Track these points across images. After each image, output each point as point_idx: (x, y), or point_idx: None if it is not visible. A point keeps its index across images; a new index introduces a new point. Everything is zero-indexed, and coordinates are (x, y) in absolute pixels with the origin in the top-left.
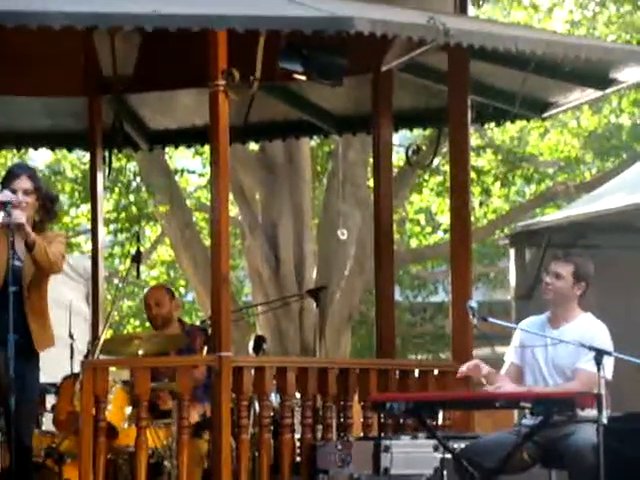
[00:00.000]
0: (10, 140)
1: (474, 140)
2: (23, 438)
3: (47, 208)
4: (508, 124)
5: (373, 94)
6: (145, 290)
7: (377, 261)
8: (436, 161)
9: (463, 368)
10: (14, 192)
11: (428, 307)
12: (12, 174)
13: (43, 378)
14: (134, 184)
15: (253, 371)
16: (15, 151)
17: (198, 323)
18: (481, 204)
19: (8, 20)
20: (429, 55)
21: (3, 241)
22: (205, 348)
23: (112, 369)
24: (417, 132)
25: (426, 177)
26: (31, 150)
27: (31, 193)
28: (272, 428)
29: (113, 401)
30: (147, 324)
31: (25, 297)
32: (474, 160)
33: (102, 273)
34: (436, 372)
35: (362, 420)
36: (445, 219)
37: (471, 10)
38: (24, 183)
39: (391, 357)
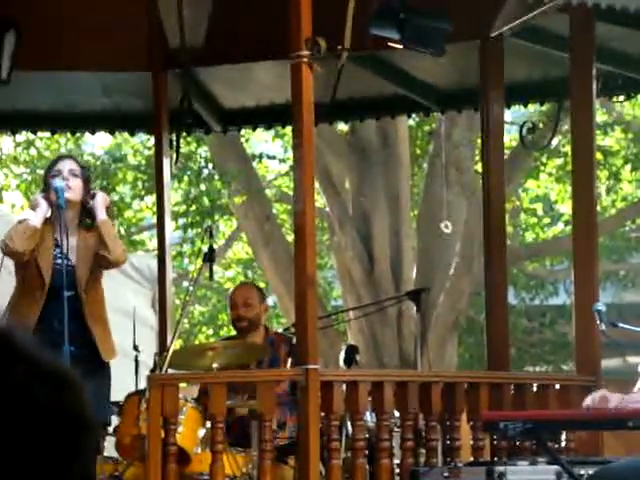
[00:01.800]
0: (64, 123)
1: (600, 116)
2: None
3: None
4: None
5: (481, 64)
6: (230, 288)
7: (487, 258)
8: (555, 141)
9: (587, 401)
10: (59, 173)
11: (547, 311)
12: (56, 159)
13: None
14: (206, 172)
15: (344, 386)
16: (70, 135)
17: (280, 331)
18: (609, 191)
19: None
20: (547, 17)
21: (48, 239)
22: (289, 360)
23: (183, 385)
24: (533, 107)
25: (544, 160)
26: (87, 134)
27: (78, 176)
28: (367, 452)
29: (184, 422)
30: (222, 332)
31: (83, 301)
32: (600, 139)
33: (170, 275)
34: (557, 387)
35: (472, 442)
36: (566, 208)
37: None
38: (70, 164)
39: (505, 369)
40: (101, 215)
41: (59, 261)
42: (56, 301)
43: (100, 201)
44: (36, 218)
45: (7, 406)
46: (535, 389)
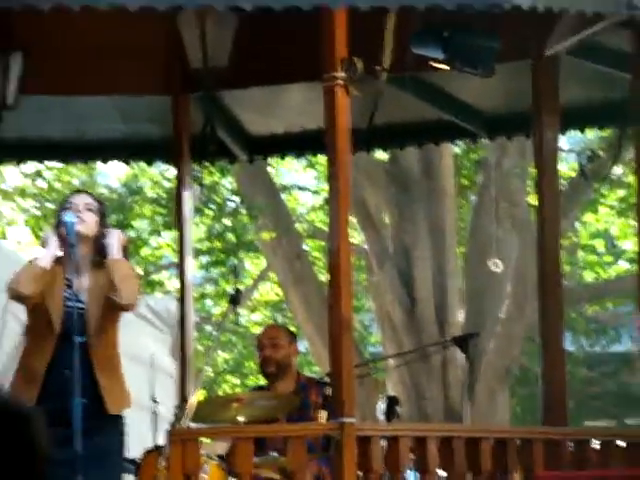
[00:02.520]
0: (75, 151)
1: None
2: None
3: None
4: None
5: (534, 86)
6: (257, 332)
7: (541, 300)
8: (617, 170)
9: None
10: (72, 206)
11: (609, 359)
12: (71, 193)
13: None
14: (231, 205)
15: (384, 442)
16: (82, 165)
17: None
18: None
19: (73, 2)
20: (607, 34)
21: (59, 279)
22: (322, 411)
23: (205, 440)
24: (592, 134)
25: (604, 191)
26: (101, 164)
27: (93, 210)
28: None
29: None
30: (249, 381)
31: (91, 347)
32: None
33: (191, 318)
34: (622, 443)
35: None
36: (630, 245)
37: None
38: (85, 198)
39: (562, 424)
40: (114, 254)
41: (70, 303)
42: (67, 347)
43: (115, 238)
44: (45, 258)
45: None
46: (597, 446)
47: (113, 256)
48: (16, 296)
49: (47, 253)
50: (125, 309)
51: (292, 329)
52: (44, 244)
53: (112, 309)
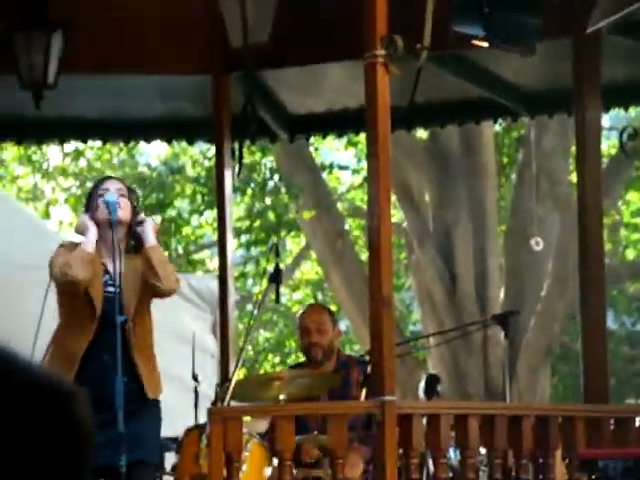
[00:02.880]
0: (116, 131)
1: None
2: None
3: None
4: None
5: (575, 63)
6: (298, 312)
7: (583, 278)
8: None
9: None
10: (106, 190)
11: None
12: (102, 178)
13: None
14: (271, 184)
15: (425, 420)
16: (122, 144)
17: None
18: None
19: None
20: None
21: (97, 266)
22: (364, 390)
23: (247, 419)
24: (634, 111)
25: None
26: (142, 143)
27: (126, 196)
28: None
29: (249, 460)
30: (290, 360)
31: (130, 330)
32: None
33: (232, 297)
34: None
35: None
36: None
37: None
38: (117, 184)
39: (604, 402)
40: (152, 241)
41: (110, 288)
42: (106, 331)
43: (149, 226)
44: (90, 243)
45: (16, 423)
46: (638, 424)
47: (150, 243)
48: (69, 281)
49: (90, 238)
50: (167, 294)
51: (332, 308)
52: (82, 230)
53: (151, 294)
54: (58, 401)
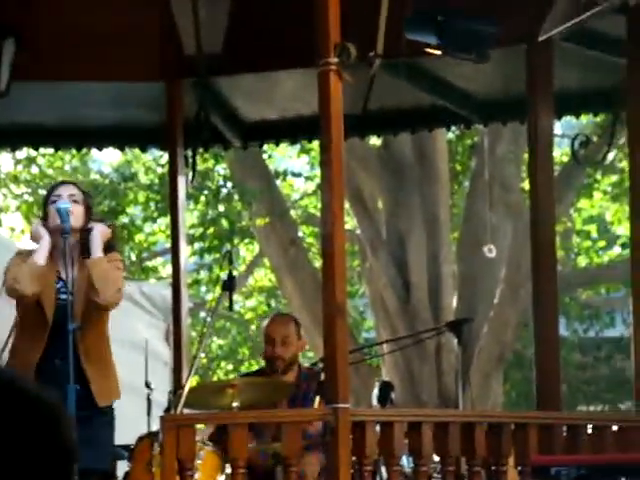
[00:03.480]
0: (68, 138)
1: None
2: None
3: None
4: None
5: (528, 71)
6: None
7: (535, 285)
8: (611, 156)
9: None
10: (59, 198)
11: (603, 344)
12: (56, 184)
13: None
14: (224, 191)
15: (378, 427)
16: (75, 151)
17: (308, 365)
18: None
19: None
20: (601, 19)
21: (50, 273)
22: (317, 398)
23: (200, 427)
24: (586, 119)
25: (598, 176)
26: (95, 150)
27: (79, 202)
28: None
29: (202, 468)
30: (243, 367)
31: (78, 338)
32: None
33: (186, 304)
34: (615, 428)
35: None
36: (623, 230)
37: None
38: (70, 189)
39: (556, 409)
40: (95, 252)
41: (63, 296)
42: (58, 338)
43: (97, 235)
44: (41, 254)
45: (8, 442)
46: (590, 431)
47: (93, 255)
48: (17, 296)
49: (42, 249)
50: (104, 308)
51: (299, 322)
52: (35, 238)
53: (93, 306)
54: (46, 414)
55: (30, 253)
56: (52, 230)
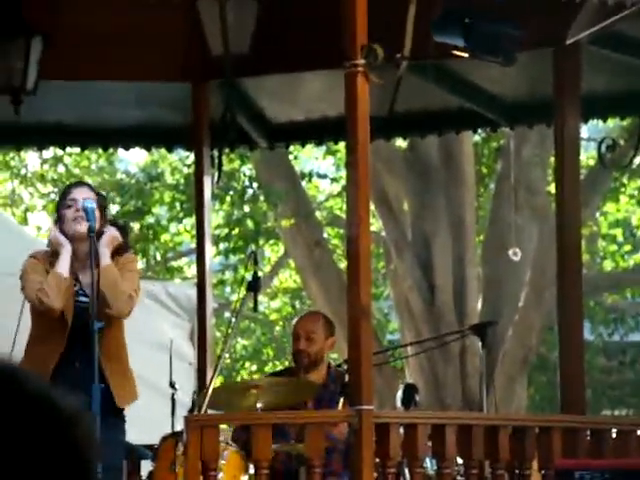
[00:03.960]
0: (94, 137)
1: None
2: None
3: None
4: None
5: (555, 74)
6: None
7: (560, 289)
8: (637, 160)
9: None
10: (74, 202)
11: (628, 348)
12: (70, 186)
13: (137, 438)
14: (250, 192)
15: (402, 429)
16: (101, 151)
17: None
18: None
19: None
20: (629, 22)
21: (70, 276)
22: (341, 400)
23: (224, 427)
24: (613, 123)
25: (625, 180)
26: (121, 150)
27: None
28: None
29: (225, 468)
30: (267, 368)
31: (97, 340)
32: None
33: (210, 305)
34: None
35: None
36: None
37: None
38: (84, 192)
39: (580, 413)
40: (104, 260)
41: (82, 298)
42: (76, 341)
43: (105, 241)
44: (65, 266)
45: (23, 442)
46: (614, 435)
47: (102, 263)
48: (45, 309)
49: (65, 259)
50: (116, 318)
51: (332, 321)
52: (55, 245)
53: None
54: (60, 421)
55: (45, 256)
56: (69, 235)
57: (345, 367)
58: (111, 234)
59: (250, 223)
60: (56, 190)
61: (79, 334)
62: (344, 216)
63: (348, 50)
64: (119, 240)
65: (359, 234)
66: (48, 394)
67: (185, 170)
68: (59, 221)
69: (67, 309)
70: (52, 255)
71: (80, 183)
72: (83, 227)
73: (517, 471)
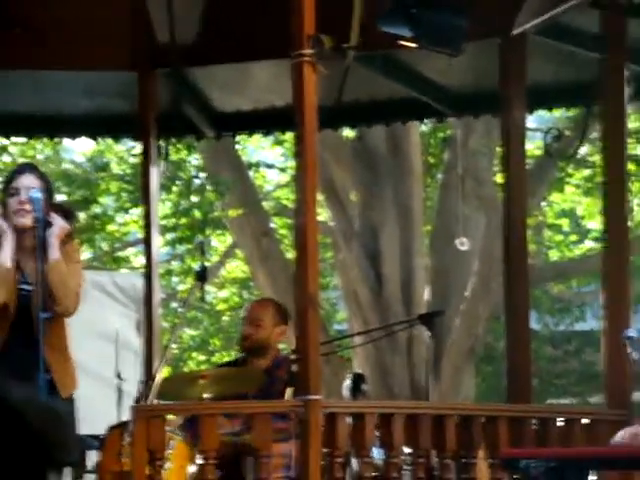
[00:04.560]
0: (42, 126)
1: (632, 123)
2: None
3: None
4: None
5: (501, 64)
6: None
7: (507, 279)
8: (583, 150)
9: (618, 438)
10: (17, 192)
11: (573, 337)
12: (14, 171)
13: (83, 429)
14: (197, 182)
15: (350, 419)
16: (47, 140)
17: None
18: None
19: None
20: (575, 13)
21: (13, 265)
22: (289, 389)
23: (170, 417)
24: (558, 113)
25: (570, 170)
26: (67, 139)
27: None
28: None
29: (172, 458)
30: (215, 358)
31: (40, 329)
32: (632, 148)
33: (158, 295)
34: (585, 421)
35: None
36: (595, 224)
37: None
38: (29, 180)
39: (526, 402)
40: (54, 253)
41: (24, 286)
42: (19, 329)
43: (54, 233)
44: (8, 256)
45: (10, 437)
46: (560, 424)
47: (52, 256)
48: None
49: (8, 248)
50: (65, 316)
51: (285, 310)
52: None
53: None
54: (10, 412)
55: None
56: (12, 227)
57: (293, 357)
58: (60, 225)
59: (197, 213)
60: (1, 180)
61: (21, 322)
62: (292, 206)
63: (296, 40)
64: (67, 229)
65: (307, 224)
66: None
67: (132, 160)
68: (2, 207)
69: (9, 299)
70: None
71: (26, 168)
72: (28, 220)
73: (464, 460)
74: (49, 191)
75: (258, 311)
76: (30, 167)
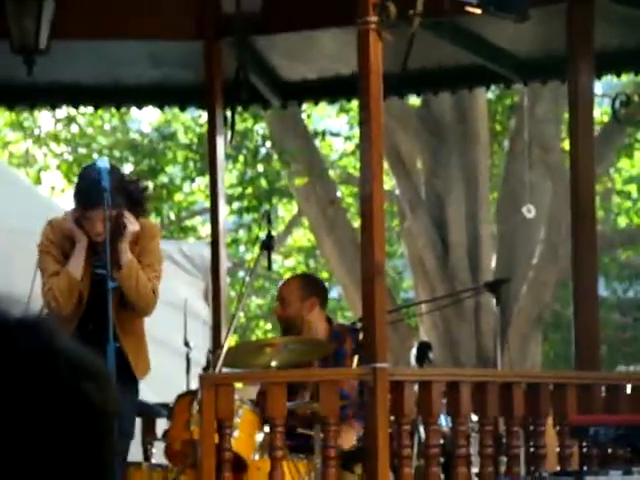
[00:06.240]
0: (108, 96)
1: None
2: None
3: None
4: None
5: (568, 30)
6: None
7: (575, 245)
8: None
9: None
10: (91, 224)
11: None
12: (85, 203)
13: (152, 397)
14: (263, 151)
15: (416, 387)
16: (114, 110)
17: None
18: None
19: None
20: None
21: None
22: (355, 358)
23: (238, 386)
24: (627, 78)
25: (639, 136)
26: (134, 109)
27: (109, 220)
28: (441, 460)
29: (240, 426)
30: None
31: (114, 316)
32: None
33: (224, 264)
34: None
35: (558, 450)
36: None
37: None
38: (100, 215)
39: (595, 369)
40: (125, 256)
41: (98, 270)
42: (93, 309)
43: (127, 240)
44: (77, 267)
45: (57, 403)
46: (629, 391)
47: (124, 259)
48: (54, 313)
49: (79, 259)
50: (141, 316)
51: (324, 277)
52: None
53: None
54: (107, 389)
55: (61, 225)
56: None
57: (359, 325)
58: (131, 232)
59: (264, 182)
60: (69, 150)
61: (95, 304)
62: (357, 174)
63: (361, 7)
64: (138, 231)
65: (373, 192)
66: (72, 348)
67: (198, 129)
68: (76, 212)
69: (83, 288)
70: (67, 237)
71: (95, 203)
72: (101, 236)
73: (531, 427)
74: (122, 189)
75: (282, 290)
76: (99, 196)
